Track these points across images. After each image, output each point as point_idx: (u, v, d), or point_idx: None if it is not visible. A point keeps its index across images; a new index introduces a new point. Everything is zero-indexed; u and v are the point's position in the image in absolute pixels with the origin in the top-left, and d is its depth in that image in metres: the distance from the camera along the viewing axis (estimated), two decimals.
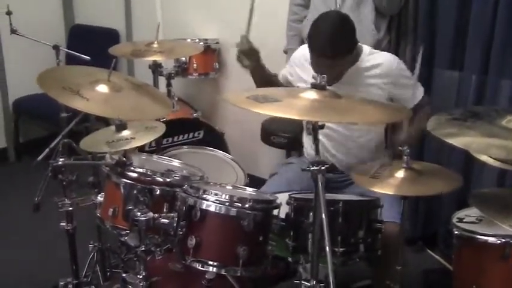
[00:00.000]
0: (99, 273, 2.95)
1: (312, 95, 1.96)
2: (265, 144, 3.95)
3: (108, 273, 2.99)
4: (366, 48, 2.87)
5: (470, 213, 2.53)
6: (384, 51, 3.27)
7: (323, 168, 1.91)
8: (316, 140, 1.95)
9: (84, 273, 2.91)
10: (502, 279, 2.27)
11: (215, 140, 3.97)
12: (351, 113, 1.97)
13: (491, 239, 2.29)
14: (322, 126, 1.95)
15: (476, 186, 3.26)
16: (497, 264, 2.27)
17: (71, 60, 4.01)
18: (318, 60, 2.66)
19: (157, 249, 2.33)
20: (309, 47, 2.70)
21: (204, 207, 2.17)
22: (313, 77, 1.99)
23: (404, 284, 2.45)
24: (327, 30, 2.64)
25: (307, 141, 3.11)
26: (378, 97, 2.74)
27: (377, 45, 3.29)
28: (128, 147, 2.33)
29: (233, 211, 2.17)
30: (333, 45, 2.61)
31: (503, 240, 2.25)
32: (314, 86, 1.97)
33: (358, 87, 2.75)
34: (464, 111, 1.96)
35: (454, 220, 2.48)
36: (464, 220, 2.48)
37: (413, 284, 3.23)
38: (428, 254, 3.69)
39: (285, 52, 3.71)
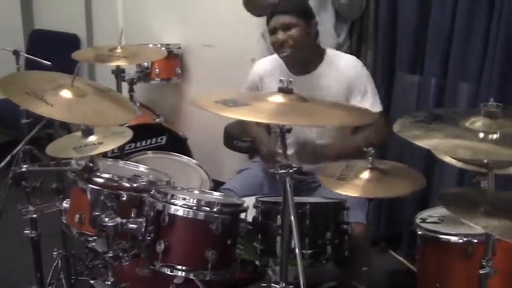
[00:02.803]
0: (64, 280, 2.91)
1: (279, 98, 1.96)
2: (228, 148, 3.96)
3: (73, 281, 2.95)
4: (331, 50, 2.96)
5: (433, 213, 2.60)
6: None
7: (291, 171, 1.93)
8: (283, 144, 1.97)
9: (48, 281, 2.87)
10: (465, 277, 2.32)
11: (178, 145, 3.98)
12: (318, 116, 1.99)
13: (453, 238, 2.35)
14: (289, 130, 1.97)
15: (438, 186, 3.32)
16: (460, 262, 2.33)
17: (30, 66, 3.96)
18: (274, 23, 2.81)
19: (125, 255, 2.32)
20: (268, 19, 2.85)
21: (172, 211, 2.17)
22: (280, 81, 2.00)
23: (370, 285, 2.48)
24: None
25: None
26: (340, 99, 2.79)
27: (337, 50, 3.33)
28: (96, 152, 2.32)
29: (201, 215, 2.18)
30: (287, 3, 2.85)
31: (465, 239, 2.31)
32: (281, 90, 1.98)
33: (323, 90, 2.80)
34: (427, 113, 2.00)
35: (417, 220, 2.53)
36: (427, 220, 2.53)
37: (378, 284, 3.27)
38: (391, 255, 3.72)
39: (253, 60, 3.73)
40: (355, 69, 2.88)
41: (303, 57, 2.85)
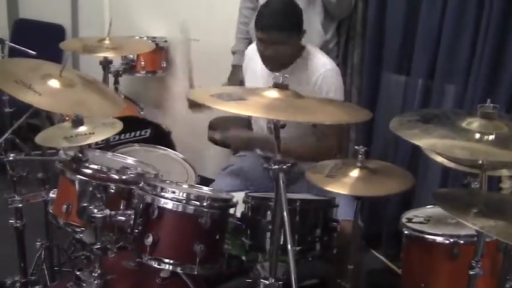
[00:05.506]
0: (46, 271, 2.89)
1: (274, 94, 1.97)
2: (212, 143, 3.94)
3: (55, 271, 2.92)
4: (312, 47, 2.93)
5: (419, 213, 2.60)
6: (332, 52, 3.34)
7: (284, 166, 1.92)
8: (277, 139, 1.96)
9: (31, 272, 2.85)
10: (450, 277, 2.34)
11: (162, 138, 3.95)
12: (314, 112, 1.99)
13: (439, 239, 2.35)
14: (283, 126, 1.97)
15: (421, 186, 3.31)
16: (446, 263, 2.34)
17: (14, 55, 3.91)
18: (264, 36, 2.71)
19: (112, 247, 2.30)
20: (257, 25, 2.75)
21: (161, 204, 2.16)
22: (275, 77, 2.00)
23: (354, 284, 2.49)
24: (276, 7, 2.73)
25: None
26: None
27: (324, 47, 3.34)
28: (88, 142, 2.31)
29: (190, 209, 2.17)
30: (281, 19, 2.70)
31: (452, 240, 2.31)
32: (276, 86, 1.98)
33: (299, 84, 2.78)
34: (422, 113, 2.01)
35: (403, 220, 2.53)
36: (413, 220, 2.53)
37: (360, 283, 3.28)
38: (371, 253, 3.75)
39: (233, 53, 3.72)
40: (322, 72, 2.83)
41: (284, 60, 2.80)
